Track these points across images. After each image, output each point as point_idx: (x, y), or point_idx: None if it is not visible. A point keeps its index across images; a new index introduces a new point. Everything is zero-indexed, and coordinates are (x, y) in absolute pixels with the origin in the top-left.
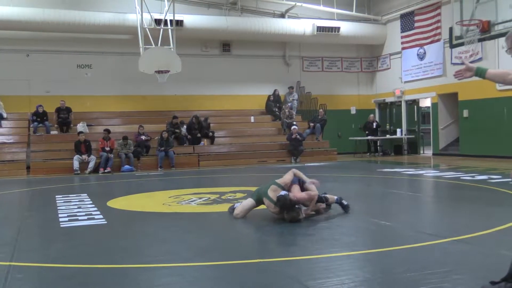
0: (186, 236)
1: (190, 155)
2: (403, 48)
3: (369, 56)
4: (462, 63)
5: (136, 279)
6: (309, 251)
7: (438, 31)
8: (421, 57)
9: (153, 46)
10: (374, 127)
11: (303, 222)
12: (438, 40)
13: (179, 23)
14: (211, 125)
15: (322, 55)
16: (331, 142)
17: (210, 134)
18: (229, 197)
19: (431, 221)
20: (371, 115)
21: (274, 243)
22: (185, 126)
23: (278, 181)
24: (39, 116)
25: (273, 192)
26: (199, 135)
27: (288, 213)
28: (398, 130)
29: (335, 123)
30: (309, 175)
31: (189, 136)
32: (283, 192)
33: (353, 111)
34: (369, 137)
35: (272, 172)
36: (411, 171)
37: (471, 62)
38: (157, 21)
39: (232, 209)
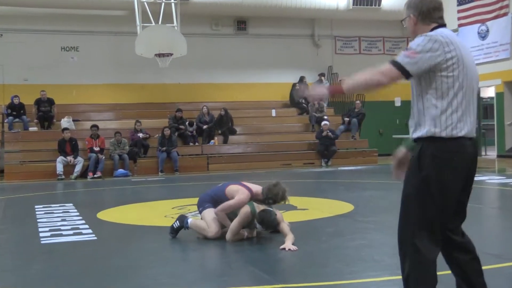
0: (192, 255)
1: (198, 157)
2: (460, 25)
3: None
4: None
5: None
6: (342, 275)
7: (506, 2)
8: (483, 35)
9: (153, 24)
10: None
11: (336, 239)
12: (505, 14)
13: None
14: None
15: (359, 34)
16: (370, 141)
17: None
18: None
19: (495, 239)
20: None
21: (300, 265)
22: (194, 125)
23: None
24: (15, 109)
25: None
26: (204, 127)
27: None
28: None
29: (376, 118)
30: (343, 182)
31: (195, 126)
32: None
33: (397, 103)
34: None
35: (299, 178)
36: None
37: None
38: None
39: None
